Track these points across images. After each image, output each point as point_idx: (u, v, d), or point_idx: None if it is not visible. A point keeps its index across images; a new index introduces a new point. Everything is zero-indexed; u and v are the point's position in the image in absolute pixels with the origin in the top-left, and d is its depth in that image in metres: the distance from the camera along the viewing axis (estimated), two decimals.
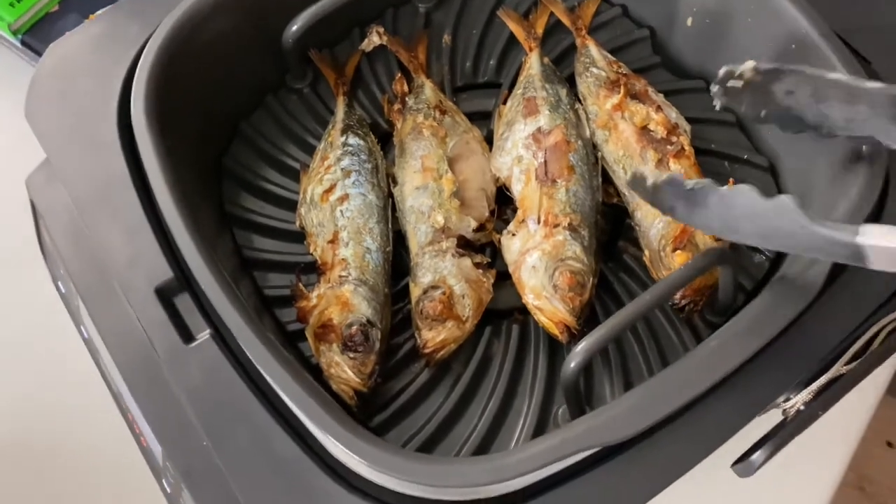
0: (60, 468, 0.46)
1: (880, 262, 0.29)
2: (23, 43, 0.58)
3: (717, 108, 0.39)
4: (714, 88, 0.39)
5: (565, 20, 0.49)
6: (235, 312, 0.33)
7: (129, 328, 0.35)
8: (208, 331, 0.35)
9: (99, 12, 0.57)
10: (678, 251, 0.40)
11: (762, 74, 0.37)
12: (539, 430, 0.39)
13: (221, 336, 0.35)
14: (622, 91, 0.44)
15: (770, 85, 0.37)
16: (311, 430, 0.33)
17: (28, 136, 0.57)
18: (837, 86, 0.35)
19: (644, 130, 0.43)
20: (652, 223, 0.41)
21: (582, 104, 0.46)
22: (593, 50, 0.47)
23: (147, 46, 0.39)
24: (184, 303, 0.36)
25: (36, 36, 0.58)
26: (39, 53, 0.57)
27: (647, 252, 0.41)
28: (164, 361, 0.34)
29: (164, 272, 0.36)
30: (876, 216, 0.37)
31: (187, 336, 0.35)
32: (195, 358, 0.34)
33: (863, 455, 0.48)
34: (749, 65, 0.37)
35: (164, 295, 0.35)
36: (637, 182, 0.37)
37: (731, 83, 0.38)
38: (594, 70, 0.46)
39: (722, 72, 0.38)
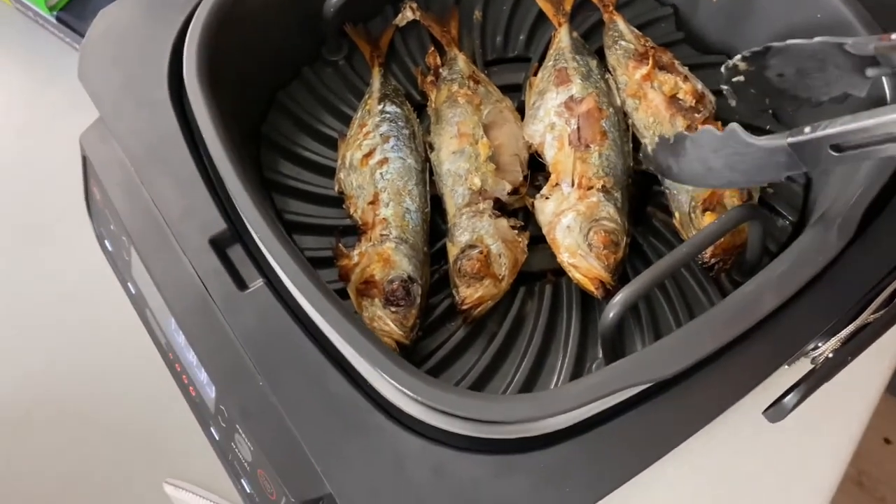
0: (96, 424, 0.47)
1: (806, 159, 0.33)
2: (58, 19, 0.59)
3: (733, 104, 0.42)
4: (725, 88, 0.41)
5: None
6: (292, 261, 0.34)
7: (185, 277, 0.36)
8: (260, 280, 0.36)
9: None
10: (708, 212, 0.42)
11: (750, 60, 0.41)
12: None
13: (273, 284, 0.36)
14: (651, 62, 0.45)
15: (764, 72, 0.40)
16: (361, 370, 0.34)
17: (57, 107, 0.59)
18: (812, 55, 0.38)
19: (673, 99, 0.44)
20: (682, 187, 0.43)
21: (611, 74, 0.47)
22: (621, 24, 0.49)
23: (197, 12, 0.41)
24: (236, 253, 0.37)
25: (70, 12, 0.59)
26: (73, 29, 0.59)
27: (677, 215, 0.43)
28: (220, 307, 0.35)
29: (218, 224, 0.37)
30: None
31: (241, 284, 0.36)
32: (250, 304, 0.35)
33: (861, 451, 0.50)
34: (737, 57, 0.41)
35: (218, 245, 0.37)
36: (645, 158, 0.42)
37: (735, 79, 0.42)
38: (622, 43, 0.48)
39: (724, 70, 0.42)
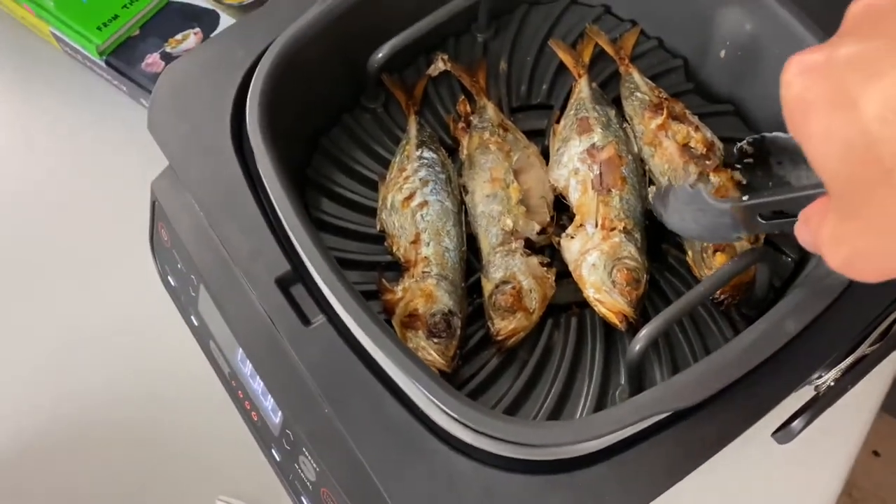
0: (151, 445, 0.51)
1: (743, 223, 0.38)
2: (107, 63, 0.63)
3: (744, 183, 0.47)
4: (737, 167, 0.47)
5: (609, 50, 0.55)
6: (352, 300, 0.38)
7: (253, 314, 0.40)
8: (322, 316, 0.40)
9: (178, 36, 0.63)
10: (718, 252, 0.46)
11: (754, 145, 0.46)
12: (599, 408, 0.44)
13: (332, 320, 0.40)
14: (665, 113, 0.50)
15: (767, 157, 0.45)
16: (415, 399, 0.38)
17: (107, 146, 0.63)
18: (796, 148, 0.43)
19: (686, 147, 0.49)
20: None
21: (629, 124, 0.52)
22: (636, 76, 0.53)
23: (258, 67, 0.44)
24: (298, 291, 0.41)
25: (119, 57, 0.63)
26: (121, 73, 0.63)
27: (689, 253, 0.47)
28: (287, 341, 0.39)
29: (282, 265, 0.41)
30: None
31: (305, 320, 0.40)
32: (313, 338, 0.39)
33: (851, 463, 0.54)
34: (744, 141, 0.46)
35: (283, 284, 0.40)
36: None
37: (745, 160, 0.47)
38: (638, 94, 0.52)
39: (735, 151, 0.47)
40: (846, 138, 0.25)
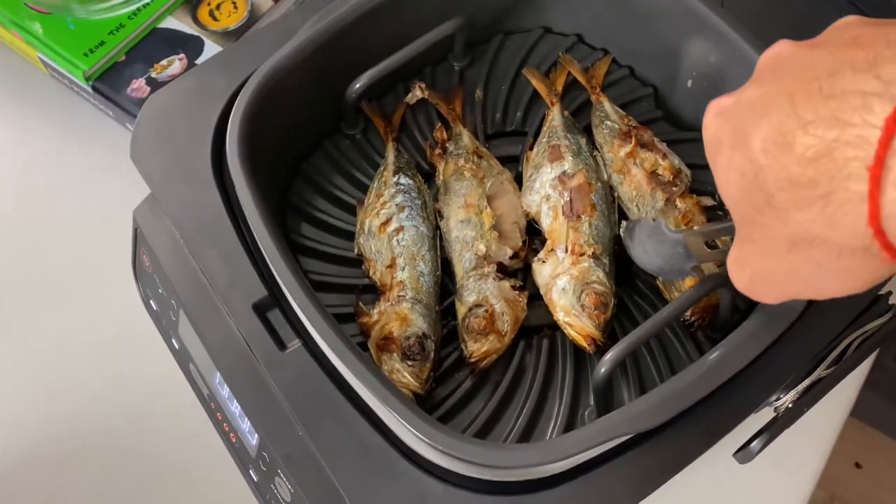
0: (136, 461, 0.52)
1: (694, 252, 0.41)
2: (93, 88, 0.64)
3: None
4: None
5: (581, 79, 0.57)
6: (327, 325, 0.39)
7: (231, 338, 0.41)
8: (297, 340, 0.41)
9: (163, 61, 0.65)
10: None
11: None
12: (569, 428, 0.45)
13: (308, 345, 0.41)
14: (633, 141, 0.52)
15: None
16: (387, 422, 0.40)
17: (94, 169, 0.64)
18: None
19: (653, 175, 0.50)
20: None
21: (599, 151, 0.53)
22: (607, 105, 0.55)
23: (238, 98, 0.46)
24: (275, 316, 0.42)
25: (105, 82, 0.64)
26: (107, 97, 0.64)
27: (660, 276, 0.49)
28: (263, 365, 0.40)
29: (259, 290, 0.42)
30: None
31: (281, 344, 0.41)
32: (289, 362, 0.40)
33: (833, 475, 0.56)
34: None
35: (260, 309, 0.42)
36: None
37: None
38: (608, 123, 0.54)
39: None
40: (740, 168, 0.28)
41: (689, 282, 0.47)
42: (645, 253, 0.45)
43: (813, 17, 0.63)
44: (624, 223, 0.49)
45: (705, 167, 0.53)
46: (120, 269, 0.52)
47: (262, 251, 0.42)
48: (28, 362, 0.56)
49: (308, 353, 0.41)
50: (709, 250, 0.40)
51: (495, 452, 0.37)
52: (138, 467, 0.52)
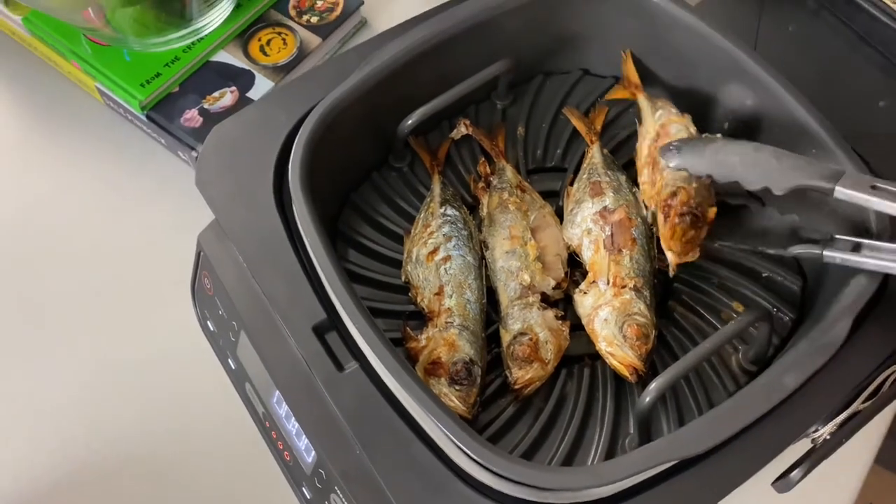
0: (180, 484, 0.53)
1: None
2: (148, 117, 0.67)
3: None
4: None
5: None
6: (384, 348, 0.41)
7: (291, 358, 0.43)
8: (354, 362, 0.43)
9: (216, 93, 0.67)
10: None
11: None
12: (610, 455, 0.47)
13: (365, 367, 0.43)
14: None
15: None
16: (440, 443, 0.41)
17: (147, 196, 0.66)
18: None
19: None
20: None
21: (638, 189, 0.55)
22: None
23: (301, 130, 0.48)
24: (333, 338, 0.44)
25: (159, 112, 0.67)
26: (161, 126, 0.67)
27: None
28: (322, 386, 0.42)
29: (319, 313, 0.44)
30: None
31: (339, 366, 0.43)
32: (347, 383, 0.42)
33: None
34: None
35: (319, 332, 0.43)
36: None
37: None
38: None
39: None
40: None
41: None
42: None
43: (841, 60, 0.66)
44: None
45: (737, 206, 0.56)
46: (171, 290, 0.54)
47: (322, 276, 0.44)
48: (77, 381, 0.58)
49: (365, 375, 0.42)
50: None
51: (547, 475, 0.39)
52: (184, 486, 0.53)
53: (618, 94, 0.60)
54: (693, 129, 0.54)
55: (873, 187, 0.41)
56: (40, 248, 0.64)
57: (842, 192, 0.42)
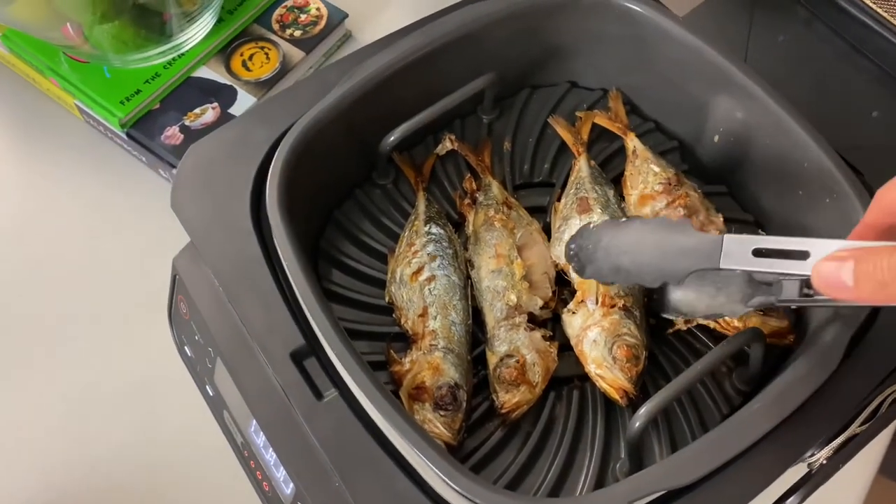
0: None
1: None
2: (128, 135, 0.66)
3: None
4: None
5: (611, 126, 0.58)
6: (364, 376, 0.40)
7: (268, 386, 0.42)
8: (334, 390, 0.42)
9: (197, 110, 0.66)
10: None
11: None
12: (600, 482, 0.45)
13: (344, 394, 0.42)
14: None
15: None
16: (422, 473, 0.40)
17: (127, 213, 0.65)
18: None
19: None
20: None
21: (626, 203, 0.54)
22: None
23: (279, 149, 0.47)
24: (312, 365, 0.42)
25: (140, 129, 0.66)
26: (142, 144, 0.65)
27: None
28: (301, 415, 0.40)
29: (297, 339, 0.43)
30: None
31: (318, 394, 0.41)
32: (326, 412, 0.40)
33: None
34: None
35: (298, 358, 0.42)
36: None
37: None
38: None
39: None
40: None
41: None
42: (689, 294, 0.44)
43: (833, 70, 0.65)
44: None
45: (734, 221, 0.55)
46: (150, 313, 0.53)
47: (300, 301, 0.42)
48: (56, 407, 0.56)
49: (344, 403, 0.41)
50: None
51: None
52: None
53: (605, 123, 0.58)
54: (670, 174, 0.53)
55: (756, 252, 0.39)
56: (17, 268, 0.62)
57: (727, 266, 0.40)
